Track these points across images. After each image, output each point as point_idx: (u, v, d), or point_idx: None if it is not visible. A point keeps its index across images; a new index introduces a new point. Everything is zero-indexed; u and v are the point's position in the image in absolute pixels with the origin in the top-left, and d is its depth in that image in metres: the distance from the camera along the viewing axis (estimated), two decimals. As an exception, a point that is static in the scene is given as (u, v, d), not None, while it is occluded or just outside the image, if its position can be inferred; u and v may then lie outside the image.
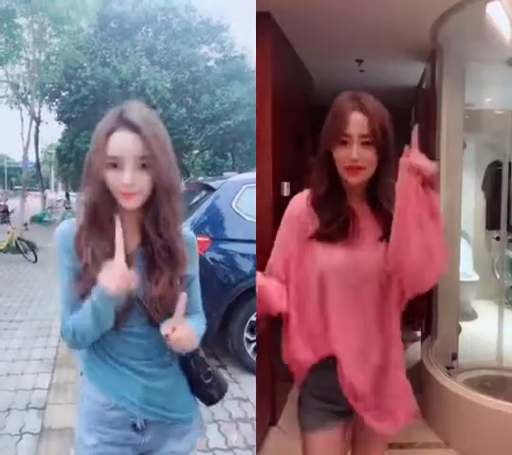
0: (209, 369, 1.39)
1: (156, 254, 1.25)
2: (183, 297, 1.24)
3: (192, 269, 1.36)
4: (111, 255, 1.20)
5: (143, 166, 1.18)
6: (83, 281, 1.22)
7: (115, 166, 1.17)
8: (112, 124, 1.18)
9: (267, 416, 3.36)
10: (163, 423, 1.33)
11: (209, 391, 1.41)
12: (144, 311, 1.25)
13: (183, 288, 1.29)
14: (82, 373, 1.37)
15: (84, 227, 1.24)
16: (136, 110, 1.21)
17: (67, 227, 1.28)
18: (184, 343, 1.25)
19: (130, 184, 1.16)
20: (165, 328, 1.22)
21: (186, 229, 1.36)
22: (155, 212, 1.23)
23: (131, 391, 1.29)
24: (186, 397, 1.39)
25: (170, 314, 1.23)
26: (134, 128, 1.17)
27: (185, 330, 1.23)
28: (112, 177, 1.18)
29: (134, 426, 1.30)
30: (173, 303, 1.23)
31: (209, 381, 1.39)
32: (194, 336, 1.29)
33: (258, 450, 2.92)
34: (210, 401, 1.43)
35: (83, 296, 1.21)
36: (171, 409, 1.33)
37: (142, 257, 1.27)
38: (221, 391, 1.43)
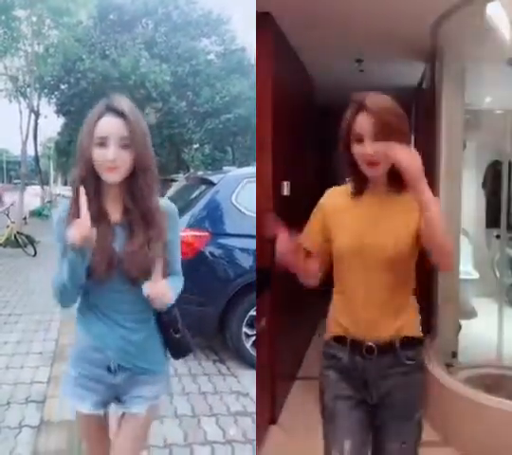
0: (179, 325, 1.65)
1: (134, 221, 1.50)
2: (159, 260, 1.49)
3: (172, 235, 1.58)
4: (96, 221, 1.44)
5: (125, 146, 1.43)
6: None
7: (101, 145, 1.42)
8: (100, 111, 1.45)
9: (267, 413, 3.38)
10: (134, 370, 1.59)
11: (176, 345, 1.67)
12: (124, 270, 1.49)
13: (162, 252, 1.51)
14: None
15: (74, 200, 1.46)
16: (121, 101, 1.47)
17: (64, 207, 1.52)
18: (162, 300, 1.51)
19: (113, 159, 1.41)
20: (146, 288, 1.47)
21: (166, 201, 1.61)
22: (132, 186, 1.48)
23: (110, 339, 1.56)
24: (157, 352, 1.65)
25: (146, 273, 1.48)
26: (119, 114, 1.43)
27: (162, 288, 1.49)
28: (98, 154, 1.42)
29: (108, 367, 1.57)
30: (148, 263, 1.48)
31: (178, 336, 1.65)
32: (170, 294, 1.53)
33: (258, 447, 2.94)
34: (176, 353, 1.70)
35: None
36: (142, 359, 1.60)
37: (124, 224, 1.52)
38: (187, 347, 1.70)
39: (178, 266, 1.68)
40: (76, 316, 1.63)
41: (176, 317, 1.65)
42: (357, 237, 1.62)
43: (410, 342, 1.68)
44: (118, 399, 1.65)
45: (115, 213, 1.53)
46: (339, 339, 1.72)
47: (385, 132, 1.50)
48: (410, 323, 1.70)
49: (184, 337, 1.67)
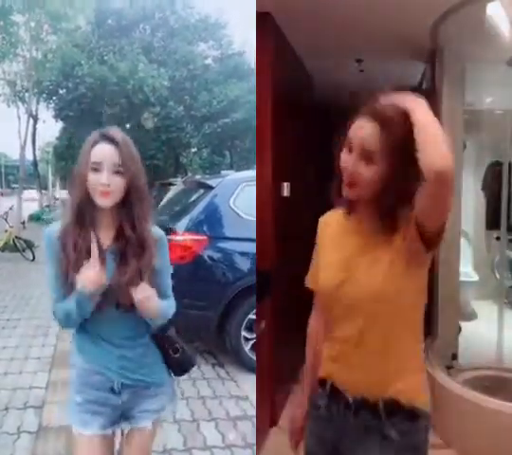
0: (176, 345, 1.69)
1: (129, 248, 1.55)
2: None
3: (163, 261, 1.64)
4: (89, 246, 1.50)
5: (118, 172, 1.49)
6: (66, 269, 1.51)
7: (95, 170, 1.49)
8: (95, 139, 1.53)
9: (268, 416, 3.35)
10: (137, 386, 1.63)
11: (176, 364, 1.71)
12: (115, 297, 1.54)
13: (152, 278, 1.57)
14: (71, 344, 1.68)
15: (69, 224, 1.54)
16: (115, 130, 1.55)
17: (55, 227, 1.57)
18: (148, 304, 1.54)
19: (107, 183, 1.48)
20: (133, 294, 1.52)
21: (155, 228, 1.65)
22: (130, 212, 1.54)
23: (108, 360, 1.60)
24: (156, 364, 1.69)
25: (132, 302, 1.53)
26: (112, 141, 1.51)
27: (147, 291, 1.54)
28: (92, 179, 1.49)
29: (111, 388, 1.61)
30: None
31: (177, 356, 1.68)
32: (155, 298, 1.57)
33: (258, 450, 2.91)
34: (177, 372, 1.74)
35: (68, 283, 1.51)
36: (142, 373, 1.64)
37: (115, 251, 1.56)
38: (187, 365, 1.74)
39: (170, 292, 1.72)
40: (72, 340, 1.68)
41: (173, 337, 1.70)
42: (339, 273, 1.42)
43: (402, 411, 1.34)
44: (124, 417, 1.68)
45: (106, 238, 1.58)
46: (322, 383, 1.49)
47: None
48: (408, 384, 1.37)
49: (184, 356, 1.71)
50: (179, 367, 1.72)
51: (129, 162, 1.51)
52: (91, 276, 1.47)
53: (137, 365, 1.63)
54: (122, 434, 1.72)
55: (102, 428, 1.62)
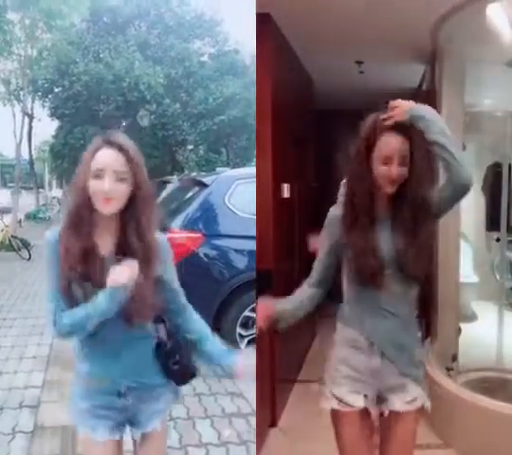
0: (177, 357, 1.64)
1: (133, 256, 1.49)
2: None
3: (170, 270, 1.63)
4: (86, 252, 1.47)
5: (121, 179, 1.45)
6: (64, 274, 1.48)
7: (97, 176, 1.45)
8: (98, 144, 1.49)
9: (267, 416, 3.35)
10: (142, 388, 1.62)
11: (176, 375, 1.66)
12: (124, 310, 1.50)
13: (162, 288, 1.57)
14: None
15: (67, 228, 1.50)
16: (118, 135, 1.52)
17: (56, 231, 1.53)
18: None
19: (109, 191, 1.43)
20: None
21: (160, 236, 1.61)
22: (135, 219, 1.50)
23: (113, 365, 1.58)
24: (158, 367, 1.65)
25: (144, 309, 1.52)
26: (116, 147, 1.47)
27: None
28: (94, 186, 1.45)
29: (118, 392, 1.60)
30: (146, 298, 1.51)
31: (176, 367, 1.64)
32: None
33: (258, 450, 2.91)
34: (178, 382, 1.70)
35: (66, 290, 1.50)
36: (147, 376, 1.62)
37: (114, 258, 1.51)
38: (190, 373, 1.69)
39: (184, 300, 1.69)
40: (74, 348, 1.64)
41: (174, 349, 1.65)
42: None
43: None
44: (131, 422, 1.67)
45: (106, 246, 1.54)
46: None
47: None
48: None
49: (185, 367, 1.67)
50: (179, 377, 1.68)
51: (134, 167, 1.47)
52: (125, 270, 1.45)
53: (141, 367, 1.62)
54: (134, 441, 1.71)
55: (111, 432, 1.62)
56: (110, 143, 1.48)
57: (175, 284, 1.67)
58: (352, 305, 1.75)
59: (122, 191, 1.46)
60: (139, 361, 1.61)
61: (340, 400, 1.72)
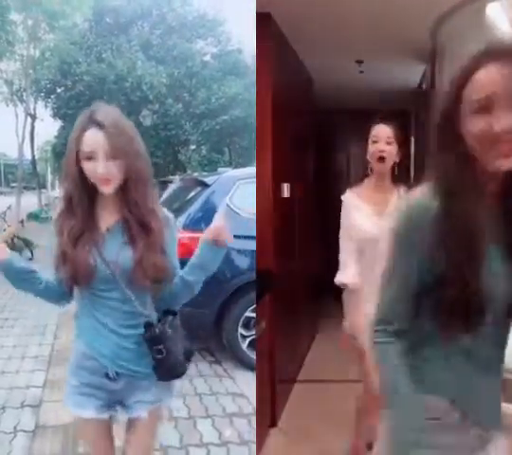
0: (160, 347, 1.56)
1: (131, 228, 1.52)
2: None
3: (171, 243, 1.63)
4: (80, 233, 1.51)
5: (113, 158, 1.44)
6: (58, 254, 1.53)
7: (89, 159, 1.44)
8: (83, 124, 1.46)
9: (268, 416, 3.35)
10: (132, 376, 1.60)
11: (159, 366, 1.58)
12: (116, 278, 1.52)
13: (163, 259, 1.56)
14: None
15: (62, 211, 1.55)
16: (103, 110, 1.49)
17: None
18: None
19: (104, 172, 1.44)
20: None
21: (164, 211, 1.62)
22: (126, 195, 1.51)
23: (104, 347, 1.58)
24: (148, 358, 1.59)
25: (154, 279, 1.54)
26: (101, 126, 1.44)
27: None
28: (89, 168, 1.45)
29: (106, 374, 1.59)
30: (149, 269, 1.51)
31: (159, 357, 1.56)
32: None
33: (258, 450, 2.91)
34: (160, 375, 1.60)
35: (57, 267, 1.54)
36: (139, 364, 1.59)
37: (121, 231, 1.54)
38: (174, 370, 1.61)
39: (178, 271, 1.69)
40: (74, 324, 1.67)
41: (160, 337, 1.56)
42: None
43: None
44: (121, 403, 1.66)
45: (110, 220, 1.56)
46: None
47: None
48: None
49: (168, 361, 1.57)
50: (161, 371, 1.59)
51: (120, 146, 1.44)
52: None
53: (134, 355, 1.59)
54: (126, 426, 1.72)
55: (98, 411, 1.62)
56: (95, 122, 1.45)
57: (174, 260, 1.67)
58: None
59: (115, 170, 1.46)
60: (134, 348, 1.59)
61: None
